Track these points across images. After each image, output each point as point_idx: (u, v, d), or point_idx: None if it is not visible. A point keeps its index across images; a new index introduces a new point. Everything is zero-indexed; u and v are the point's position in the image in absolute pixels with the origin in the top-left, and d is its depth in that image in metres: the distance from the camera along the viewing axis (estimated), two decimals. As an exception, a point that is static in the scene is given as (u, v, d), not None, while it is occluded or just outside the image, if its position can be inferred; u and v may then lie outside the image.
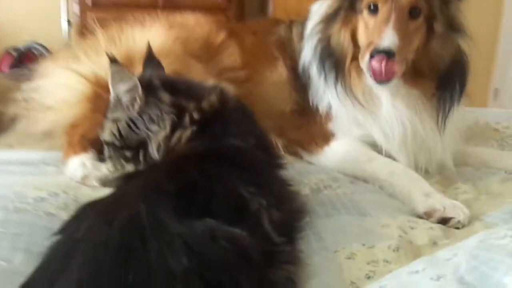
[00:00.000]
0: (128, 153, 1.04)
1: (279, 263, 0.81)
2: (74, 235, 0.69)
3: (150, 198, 0.72)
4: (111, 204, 0.75)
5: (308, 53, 1.49)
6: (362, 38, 1.33)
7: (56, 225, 0.94)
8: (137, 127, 1.02)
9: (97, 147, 1.32)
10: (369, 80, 1.32)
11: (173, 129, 1.00)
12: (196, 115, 1.00)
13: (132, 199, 0.73)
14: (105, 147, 1.10)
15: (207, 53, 1.52)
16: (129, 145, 1.03)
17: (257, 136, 1.03)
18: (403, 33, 1.25)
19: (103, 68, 1.37)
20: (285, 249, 0.85)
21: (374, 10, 1.30)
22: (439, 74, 1.35)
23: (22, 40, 3.21)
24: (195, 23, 1.62)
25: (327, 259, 0.91)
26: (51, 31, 3.34)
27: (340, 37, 1.38)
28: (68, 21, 3.33)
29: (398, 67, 1.25)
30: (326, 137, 1.42)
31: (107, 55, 1.01)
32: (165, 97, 1.02)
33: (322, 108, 1.44)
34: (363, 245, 0.94)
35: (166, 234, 0.66)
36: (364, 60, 1.29)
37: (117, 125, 1.04)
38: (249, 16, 3.32)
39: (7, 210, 0.96)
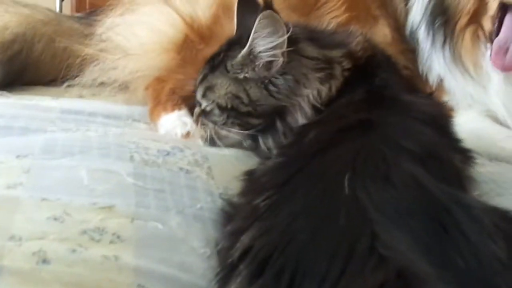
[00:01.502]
0: (254, 121, 0.85)
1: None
2: (335, 190, 0.52)
3: (404, 157, 0.57)
4: (357, 156, 0.57)
5: (417, 13, 1.30)
6: None
7: (197, 183, 0.77)
8: (278, 91, 0.83)
9: (189, 105, 1.13)
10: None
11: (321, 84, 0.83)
12: (347, 63, 0.83)
13: (385, 151, 0.57)
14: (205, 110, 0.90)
15: (305, 7, 1.34)
16: (259, 112, 0.84)
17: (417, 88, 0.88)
18: None
19: (200, 8, 1.17)
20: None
21: None
22: None
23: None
24: None
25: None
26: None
27: None
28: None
29: None
30: (444, 111, 1.25)
31: None
32: (311, 51, 0.84)
33: (432, 78, 1.25)
34: None
35: (465, 206, 0.51)
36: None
37: (244, 86, 0.84)
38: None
39: (135, 162, 0.76)
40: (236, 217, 0.59)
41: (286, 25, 0.83)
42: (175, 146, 0.86)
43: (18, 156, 0.72)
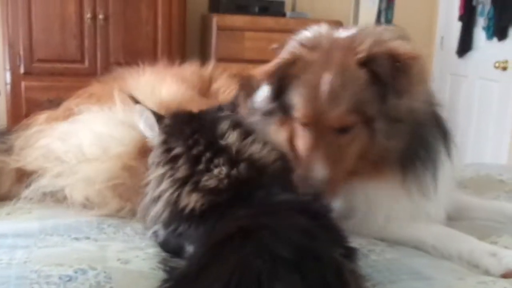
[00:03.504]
0: None
1: None
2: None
3: (278, 272, 0.64)
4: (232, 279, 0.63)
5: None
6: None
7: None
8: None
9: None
10: None
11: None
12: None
13: (260, 271, 0.65)
14: None
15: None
16: None
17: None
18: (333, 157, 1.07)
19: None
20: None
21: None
22: (397, 159, 1.12)
23: None
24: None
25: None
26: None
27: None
28: (-4, 91, 3.10)
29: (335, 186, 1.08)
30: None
31: (130, 97, 1.07)
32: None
33: None
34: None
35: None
36: None
37: None
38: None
39: (34, 295, 0.78)
40: None
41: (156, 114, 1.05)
42: (78, 269, 0.88)
43: None
